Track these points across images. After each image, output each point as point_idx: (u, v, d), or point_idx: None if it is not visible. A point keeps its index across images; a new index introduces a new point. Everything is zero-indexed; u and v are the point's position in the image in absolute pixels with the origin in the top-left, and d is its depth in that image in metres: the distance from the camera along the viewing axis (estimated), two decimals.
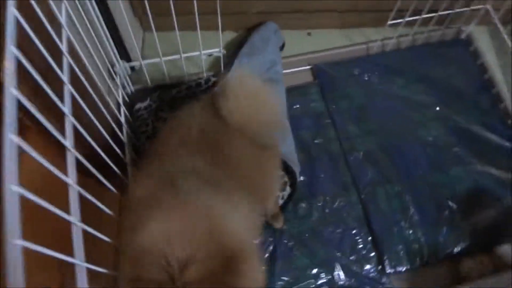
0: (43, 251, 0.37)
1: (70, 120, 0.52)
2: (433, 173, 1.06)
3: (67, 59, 0.55)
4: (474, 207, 1.02)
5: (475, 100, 1.16)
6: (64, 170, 0.51)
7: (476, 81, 1.19)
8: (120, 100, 0.90)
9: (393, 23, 1.09)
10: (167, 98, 1.02)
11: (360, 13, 1.21)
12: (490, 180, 1.05)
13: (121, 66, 0.93)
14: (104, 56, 0.85)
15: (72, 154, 0.50)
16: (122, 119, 0.86)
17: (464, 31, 1.23)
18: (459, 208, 1.02)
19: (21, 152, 0.38)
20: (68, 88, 0.53)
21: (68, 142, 0.50)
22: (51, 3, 0.53)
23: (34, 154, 0.39)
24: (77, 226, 0.47)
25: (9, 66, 0.37)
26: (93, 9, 0.77)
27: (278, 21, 1.18)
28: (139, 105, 0.99)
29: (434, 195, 1.03)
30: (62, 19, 0.56)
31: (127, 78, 0.99)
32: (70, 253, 0.46)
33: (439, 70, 1.20)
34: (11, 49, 0.38)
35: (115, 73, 0.91)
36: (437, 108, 1.13)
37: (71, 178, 0.48)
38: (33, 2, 0.47)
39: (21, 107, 0.60)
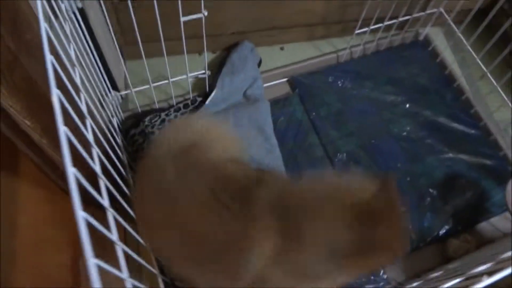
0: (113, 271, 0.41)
1: (103, 180, 0.54)
2: (410, 165, 1.15)
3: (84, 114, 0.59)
4: (452, 191, 1.12)
5: (439, 94, 1.27)
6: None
7: (438, 77, 1.31)
8: (116, 128, 0.94)
9: (360, 32, 1.19)
10: (157, 121, 1.07)
11: (327, 25, 1.31)
12: (462, 165, 1.16)
13: (113, 96, 0.97)
14: (96, 88, 0.89)
15: (111, 214, 0.53)
16: (121, 147, 0.90)
17: (422, 33, 1.35)
18: (438, 194, 1.11)
19: None
20: (96, 151, 0.56)
21: (106, 202, 0.53)
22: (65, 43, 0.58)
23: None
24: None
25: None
26: (87, 42, 0.81)
27: (252, 39, 1.26)
28: (133, 131, 1.03)
29: (415, 184, 1.12)
30: (77, 79, 0.60)
31: (118, 107, 1.03)
32: None
33: (404, 71, 1.30)
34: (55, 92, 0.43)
35: (106, 103, 0.95)
36: (407, 106, 1.23)
37: (114, 236, 0.51)
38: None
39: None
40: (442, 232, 1.07)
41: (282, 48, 1.35)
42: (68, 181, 0.41)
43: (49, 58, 0.47)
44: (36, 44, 0.64)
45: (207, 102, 1.10)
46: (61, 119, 0.44)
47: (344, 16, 1.27)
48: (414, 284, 0.90)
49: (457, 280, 0.68)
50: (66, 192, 1.00)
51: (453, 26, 1.23)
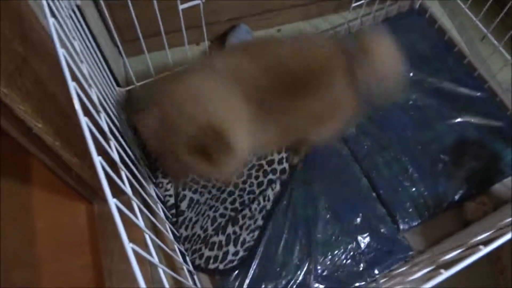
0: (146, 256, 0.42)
1: (123, 171, 0.54)
2: (420, 133, 1.14)
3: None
4: (464, 155, 1.12)
5: (441, 60, 1.26)
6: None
7: (437, 43, 1.30)
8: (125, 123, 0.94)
9: (356, 5, 1.18)
10: None
11: (322, 3, 1.29)
12: (472, 128, 1.15)
13: (119, 92, 0.97)
14: (104, 84, 0.89)
15: (135, 203, 0.53)
16: (132, 140, 0.90)
17: (417, 1, 1.34)
18: (450, 159, 1.11)
19: None
20: (113, 143, 0.56)
21: (128, 190, 0.53)
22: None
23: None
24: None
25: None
26: (88, 40, 0.81)
27: (248, 24, 1.25)
28: None
29: (427, 151, 1.12)
30: (86, 74, 0.60)
31: (124, 103, 1.03)
32: None
33: (404, 40, 1.27)
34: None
35: (114, 99, 0.95)
36: (411, 74, 1.23)
37: (141, 223, 0.51)
38: None
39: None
40: (457, 196, 1.07)
41: (279, 30, 1.34)
42: (96, 169, 0.41)
43: (61, 51, 0.46)
44: (41, 44, 0.63)
45: None
46: (80, 110, 0.44)
47: None
48: (400, 270, 0.92)
49: (458, 252, 0.68)
50: (81, 194, 1.00)
51: None
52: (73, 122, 0.74)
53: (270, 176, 1.05)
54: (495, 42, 1.15)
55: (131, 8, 0.82)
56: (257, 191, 1.03)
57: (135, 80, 1.05)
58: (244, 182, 1.04)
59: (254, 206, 1.01)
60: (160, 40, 0.94)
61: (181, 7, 0.84)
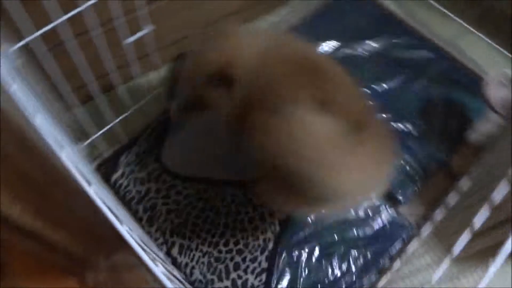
0: None
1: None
2: (389, 105, 1.16)
3: None
4: (434, 115, 1.15)
5: (387, 31, 1.29)
6: None
7: (381, 17, 1.33)
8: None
9: None
10: (133, 157, 0.99)
11: (258, 2, 1.28)
12: (435, 87, 1.19)
13: (80, 148, 0.88)
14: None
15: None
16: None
17: None
18: (423, 122, 1.13)
19: None
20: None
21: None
22: None
23: None
24: None
25: None
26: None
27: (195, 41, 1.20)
28: (114, 177, 0.95)
29: (398, 121, 1.13)
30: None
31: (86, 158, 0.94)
32: None
33: (350, 22, 1.31)
34: None
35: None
36: (367, 54, 1.24)
37: None
38: None
39: None
40: (441, 156, 1.09)
41: None
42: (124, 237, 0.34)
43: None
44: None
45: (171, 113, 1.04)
46: (83, 181, 0.37)
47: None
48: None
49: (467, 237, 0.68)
50: (70, 272, 0.90)
51: None
52: (52, 196, 0.66)
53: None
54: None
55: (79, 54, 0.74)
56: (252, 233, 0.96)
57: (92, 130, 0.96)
58: (234, 221, 0.96)
59: (254, 247, 0.93)
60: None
61: (129, 40, 0.77)
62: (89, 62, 0.81)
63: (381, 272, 0.94)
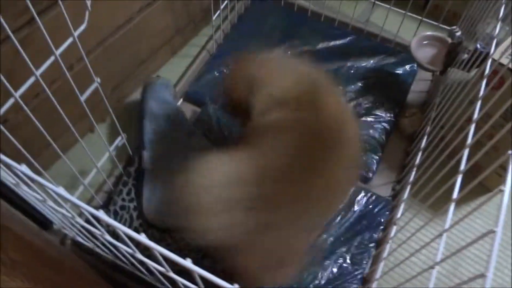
0: None
1: None
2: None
3: None
4: (370, 85, 1.25)
5: (307, 27, 1.37)
6: None
7: (293, 15, 1.41)
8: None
9: (216, 16, 1.21)
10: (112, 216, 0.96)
11: (181, 31, 1.29)
12: (363, 64, 1.29)
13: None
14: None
15: None
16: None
17: None
18: (363, 97, 1.22)
19: None
20: None
21: None
22: None
23: None
24: None
25: None
26: None
27: (130, 83, 1.19)
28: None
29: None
30: None
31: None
32: None
33: (266, 25, 1.38)
34: None
35: None
36: (299, 49, 1.31)
37: None
38: None
39: None
40: (386, 124, 1.18)
41: (158, 76, 1.30)
42: None
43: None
44: None
45: (143, 164, 1.02)
46: None
47: (189, 13, 1.27)
48: None
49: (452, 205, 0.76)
50: None
51: None
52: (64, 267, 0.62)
53: None
54: None
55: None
56: None
57: None
58: None
59: None
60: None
61: (83, 98, 0.75)
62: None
63: (375, 258, 0.97)
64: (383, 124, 1.17)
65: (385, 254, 0.89)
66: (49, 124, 0.72)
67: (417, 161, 0.96)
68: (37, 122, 0.68)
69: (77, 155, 1.03)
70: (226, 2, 1.26)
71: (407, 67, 1.28)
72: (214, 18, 1.20)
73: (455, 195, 0.54)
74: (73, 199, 0.40)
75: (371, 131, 1.16)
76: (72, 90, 0.72)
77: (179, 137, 1.07)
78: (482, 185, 1.13)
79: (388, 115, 1.19)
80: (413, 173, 0.95)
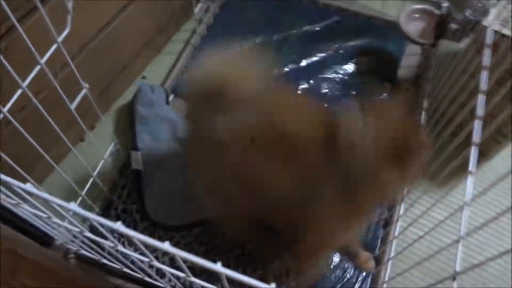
0: None
1: None
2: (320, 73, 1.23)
3: None
4: (365, 63, 1.23)
5: (290, 16, 1.34)
6: None
7: (276, 5, 1.38)
8: None
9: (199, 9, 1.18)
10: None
11: (162, 30, 1.26)
12: (351, 45, 1.28)
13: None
14: None
15: None
16: None
17: None
18: (359, 75, 1.21)
19: None
20: None
21: None
22: None
23: None
24: None
25: None
26: None
27: (117, 87, 1.16)
28: None
29: (340, 82, 1.20)
30: None
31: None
32: None
33: (245, 18, 1.35)
34: None
35: None
36: (291, 38, 1.29)
37: None
38: None
39: None
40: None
41: (143, 77, 1.27)
42: None
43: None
44: None
45: (133, 165, 1.00)
46: None
47: (170, 10, 1.24)
48: None
49: None
50: None
51: None
52: None
53: None
54: None
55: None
56: None
57: None
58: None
59: None
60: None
61: (73, 107, 0.72)
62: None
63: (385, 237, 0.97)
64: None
65: (396, 233, 0.88)
66: (38, 136, 0.69)
67: None
68: (28, 136, 0.65)
69: (70, 165, 1.00)
70: None
71: (396, 42, 1.27)
72: (196, 11, 1.17)
73: (471, 167, 0.53)
74: (89, 214, 0.37)
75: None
76: (59, 99, 0.69)
77: (169, 137, 1.04)
78: (481, 153, 1.12)
79: (381, 92, 1.18)
80: None
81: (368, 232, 0.96)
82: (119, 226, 0.37)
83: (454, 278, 0.47)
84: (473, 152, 0.53)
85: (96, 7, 0.96)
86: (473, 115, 0.58)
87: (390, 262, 0.86)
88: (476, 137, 0.55)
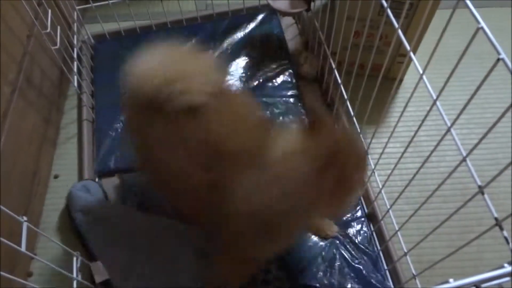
0: None
1: None
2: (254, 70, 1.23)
3: None
4: (258, 56, 1.26)
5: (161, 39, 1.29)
6: None
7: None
8: None
9: None
10: None
11: None
12: (237, 41, 1.29)
13: None
14: None
15: None
16: None
17: None
18: (256, 66, 1.23)
19: None
20: None
21: None
22: None
23: None
24: None
25: None
26: None
27: None
28: None
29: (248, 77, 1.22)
30: None
31: None
32: None
33: None
34: None
35: None
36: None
37: None
38: None
39: None
40: (290, 80, 1.21)
41: (56, 175, 1.13)
42: None
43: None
44: None
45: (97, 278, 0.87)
46: None
47: (46, 98, 1.12)
48: None
49: None
50: None
51: None
52: None
53: None
54: None
55: None
56: None
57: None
58: None
59: None
60: None
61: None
62: None
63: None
64: (288, 84, 1.19)
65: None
66: None
67: (343, 92, 0.97)
68: None
69: None
70: (76, 63, 1.12)
71: (271, 22, 1.30)
72: (76, 84, 1.07)
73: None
74: None
75: (283, 93, 1.17)
76: None
77: (125, 232, 0.95)
78: (388, 78, 1.19)
79: (286, 72, 1.21)
80: (347, 103, 0.97)
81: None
82: None
83: (482, 193, 0.50)
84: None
85: None
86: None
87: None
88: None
